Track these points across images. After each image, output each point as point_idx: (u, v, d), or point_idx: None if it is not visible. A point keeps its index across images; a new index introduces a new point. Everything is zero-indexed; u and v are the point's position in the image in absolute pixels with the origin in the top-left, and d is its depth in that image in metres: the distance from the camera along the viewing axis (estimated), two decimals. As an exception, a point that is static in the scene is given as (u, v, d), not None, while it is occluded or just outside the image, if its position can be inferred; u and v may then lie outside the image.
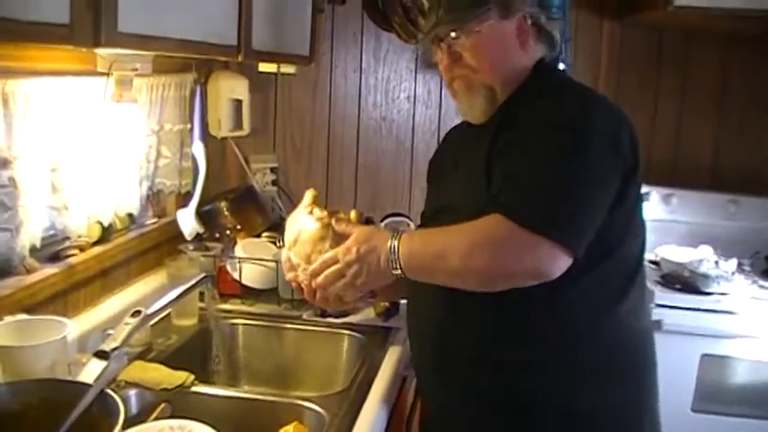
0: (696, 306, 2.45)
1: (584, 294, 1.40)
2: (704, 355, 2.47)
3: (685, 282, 2.52)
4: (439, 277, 1.41)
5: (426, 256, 1.41)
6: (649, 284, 2.50)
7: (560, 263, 1.30)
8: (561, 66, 1.64)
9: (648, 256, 2.70)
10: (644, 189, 2.72)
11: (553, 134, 1.36)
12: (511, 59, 1.51)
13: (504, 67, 1.51)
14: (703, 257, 2.60)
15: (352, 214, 1.68)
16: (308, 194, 1.64)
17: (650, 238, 2.68)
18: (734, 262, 2.58)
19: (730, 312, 2.43)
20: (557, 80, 1.54)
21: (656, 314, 2.40)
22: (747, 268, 2.64)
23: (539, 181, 1.34)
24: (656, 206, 2.86)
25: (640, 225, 1.52)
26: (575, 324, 1.41)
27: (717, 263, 2.58)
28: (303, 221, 1.58)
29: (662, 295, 2.48)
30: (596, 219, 1.35)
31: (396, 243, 1.42)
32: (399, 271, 1.42)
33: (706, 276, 2.49)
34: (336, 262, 1.48)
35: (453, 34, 1.50)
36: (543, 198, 1.33)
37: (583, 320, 1.42)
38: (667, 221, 2.86)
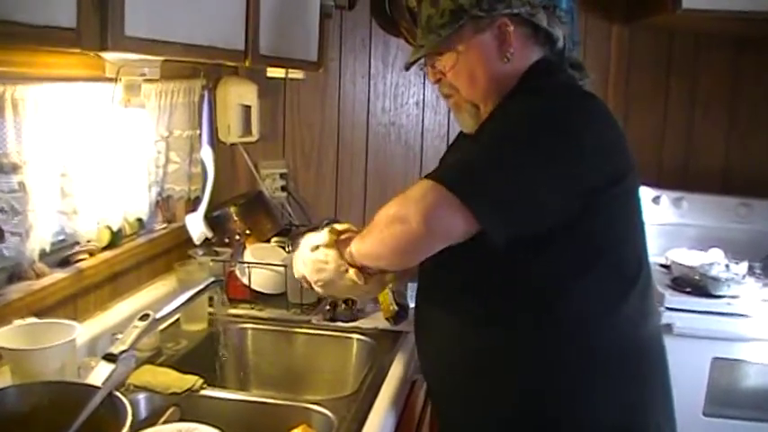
0: (707, 309, 2.44)
1: (578, 299, 1.38)
2: (715, 359, 2.45)
3: (696, 285, 2.51)
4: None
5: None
6: (660, 288, 2.50)
7: (461, 219, 1.30)
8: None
9: (659, 259, 2.70)
10: (654, 192, 2.79)
11: (502, 129, 1.38)
12: (493, 72, 1.47)
13: (484, 81, 1.48)
14: (714, 261, 2.59)
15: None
16: None
17: (660, 241, 2.75)
18: (744, 265, 2.57)
19: (741, 315, 2.42)
20: (543, 83, 1.47)
21: (667, 317, 2.39)
22: (758, 271, 2.62)
23: (470, 159, 1.38)
24: (666, 210, 2.85)
25: (635, 229, 1.47)
26: (573, 330, 1.39)
27: (727, 266, 2.57)
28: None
29: (672, 299, 2.46)
30: (522, 204, 1.31)
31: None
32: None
33: (717, 279, 2.48)
34: None
35: (431, 58, 1.53)
36: (463, 166, 1.37)
37: (580, 325, 1.39)
38: (678, 225, 2.85)
